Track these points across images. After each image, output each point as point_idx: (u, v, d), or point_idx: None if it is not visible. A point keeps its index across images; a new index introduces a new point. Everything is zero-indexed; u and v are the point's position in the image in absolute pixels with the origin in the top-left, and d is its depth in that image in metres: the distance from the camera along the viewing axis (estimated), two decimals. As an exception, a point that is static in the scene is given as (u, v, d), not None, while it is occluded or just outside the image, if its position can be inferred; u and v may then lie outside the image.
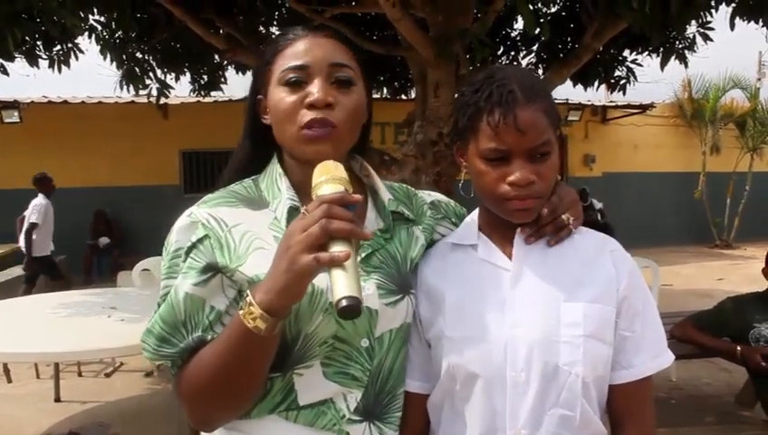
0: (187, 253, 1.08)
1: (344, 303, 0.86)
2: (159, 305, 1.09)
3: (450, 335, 1.16)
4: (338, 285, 0.88)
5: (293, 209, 1.11)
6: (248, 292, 0.98)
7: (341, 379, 1.11)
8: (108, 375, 5.30)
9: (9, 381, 4.97)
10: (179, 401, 1.10)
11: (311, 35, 1.15)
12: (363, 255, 1.14)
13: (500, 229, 1.20)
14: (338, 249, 0.89)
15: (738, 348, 3.11)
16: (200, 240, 1.08)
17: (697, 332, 3.30)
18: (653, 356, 1.17)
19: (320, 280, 0.96)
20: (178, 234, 1.11)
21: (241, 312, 0.97)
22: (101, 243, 10.71)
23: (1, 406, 4.65)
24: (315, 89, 1.10)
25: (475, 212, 1.27)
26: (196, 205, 1.14)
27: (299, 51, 1.13)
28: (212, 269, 1.07)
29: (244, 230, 1.10)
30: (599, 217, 12.07)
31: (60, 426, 4.21)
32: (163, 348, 1.08)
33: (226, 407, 1.07)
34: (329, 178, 0.97)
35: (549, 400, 1.11)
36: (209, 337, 1.06)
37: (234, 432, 1.12)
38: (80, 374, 5.28)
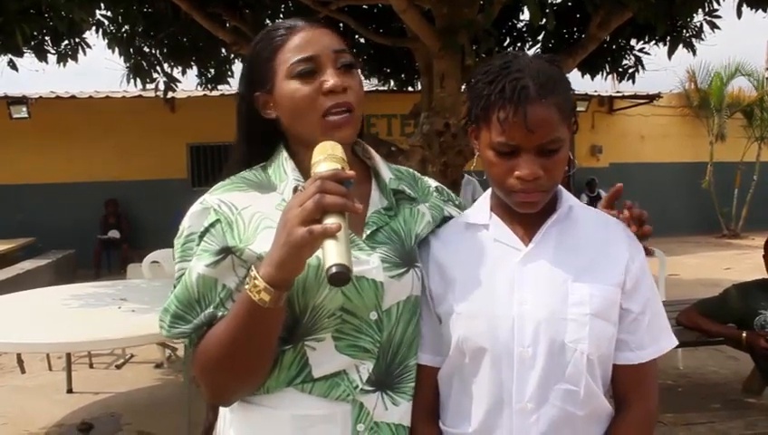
0: (201, 237, 1.14)
1: (333, 270, 0.90)
2: (175, 287, 1.15)
3: (460, 311, 1.19)
4: (329, 253, 0.92)
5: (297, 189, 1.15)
6: (253, 266, 1.03)
7: (353, 351, 1.15)
8: (119, 367, 5.37)
9: (23, 371, 5.03)
10: (196, 377, 1.15)
11: (308, 27, 1.20)
12: (368, 232, 1.19)
13: (510, 211, 1.22)
14: (331, 222, 0.93)
15: (744, 334, 3.12)
16: (212, 225, 1.14)
17: (702, 318, 3.32)
18: (659, 339, 1.21)
19: None
20: (191, 219, 1.17)
21: (247, 286, 1.02)
22: (112, 236, 10.76)
23: (15, 397, 4.73)
24: (330, 76, 1.15)
25: (488, 192, 1.30)
26: (209, 192, 1.20)
27: (302, 43, 1.17)
28: (224, 251, 1.12)
29: (253, 212, 1.16)
30: (606, 208, 12.13)
31: (73, 416, 4.28)
32: (178, 324, 1.13)
33: (238, 380, 1.12)
34: (326, 157, 1.02)
35: (555, 375, 1.15)
36: (220, 313, 1.11)
37: (253, 405, 1.17)
38: (91, 366, 5.35)
